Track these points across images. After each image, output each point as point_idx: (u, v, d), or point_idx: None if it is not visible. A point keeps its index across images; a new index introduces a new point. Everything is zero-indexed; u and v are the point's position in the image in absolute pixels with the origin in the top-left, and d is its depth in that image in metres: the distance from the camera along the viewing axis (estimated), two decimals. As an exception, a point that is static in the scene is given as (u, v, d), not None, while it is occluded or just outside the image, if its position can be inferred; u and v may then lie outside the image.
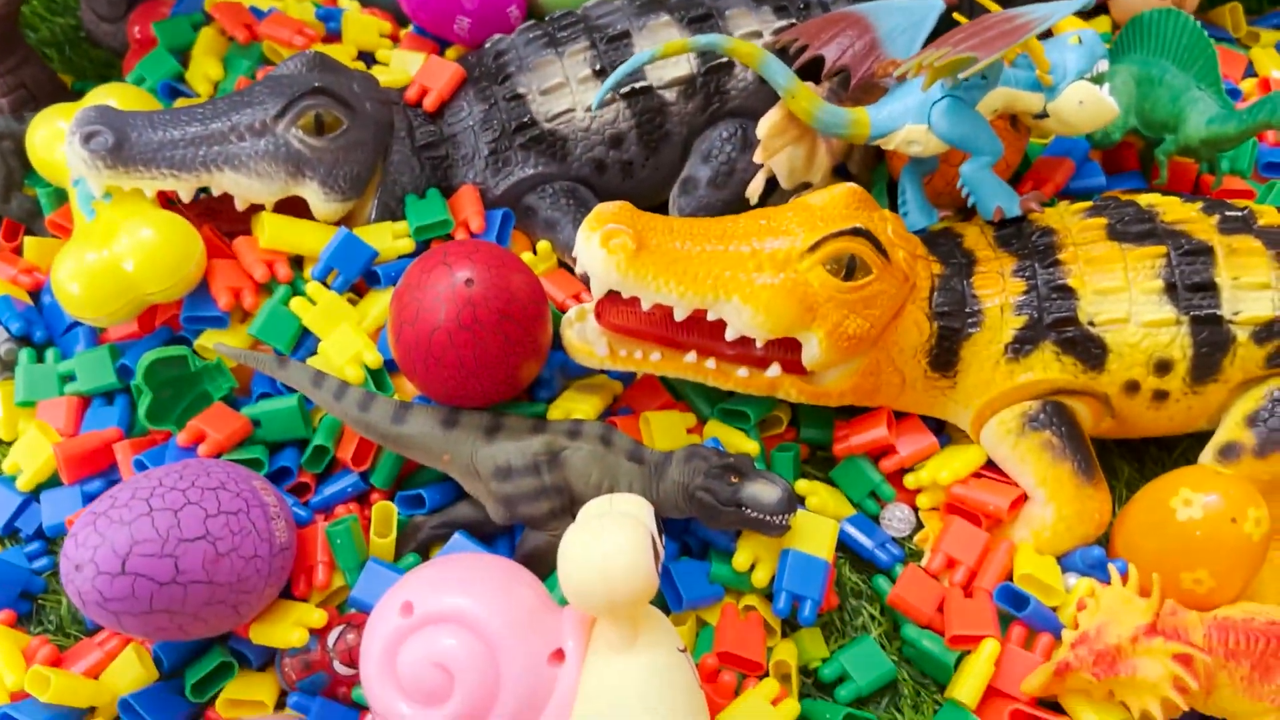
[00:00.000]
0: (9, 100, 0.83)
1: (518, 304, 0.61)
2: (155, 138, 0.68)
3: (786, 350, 0.65)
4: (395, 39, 0.90)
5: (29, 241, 0.78)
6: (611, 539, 0.50)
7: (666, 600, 0.63)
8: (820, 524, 0.64)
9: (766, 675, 0.61)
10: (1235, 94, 0.86)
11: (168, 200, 0.72)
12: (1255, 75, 0.91)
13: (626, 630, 0.51)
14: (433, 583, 0.54)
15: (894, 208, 0.75)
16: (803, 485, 0.68)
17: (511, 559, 0.60)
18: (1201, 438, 0.68)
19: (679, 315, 0.63)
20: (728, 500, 0.59)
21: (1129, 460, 0.73)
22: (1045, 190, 0.78)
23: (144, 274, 0.67)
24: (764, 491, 0.59)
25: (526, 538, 0.64)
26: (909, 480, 0.68)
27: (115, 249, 0.67)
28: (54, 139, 0.74)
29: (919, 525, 0.68)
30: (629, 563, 0.49)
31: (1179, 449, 0.73)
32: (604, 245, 0.60)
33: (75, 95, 0.87)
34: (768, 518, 0.59)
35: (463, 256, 0.61)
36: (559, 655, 0.52)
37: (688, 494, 0.60)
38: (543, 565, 0.62)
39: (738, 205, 0.76)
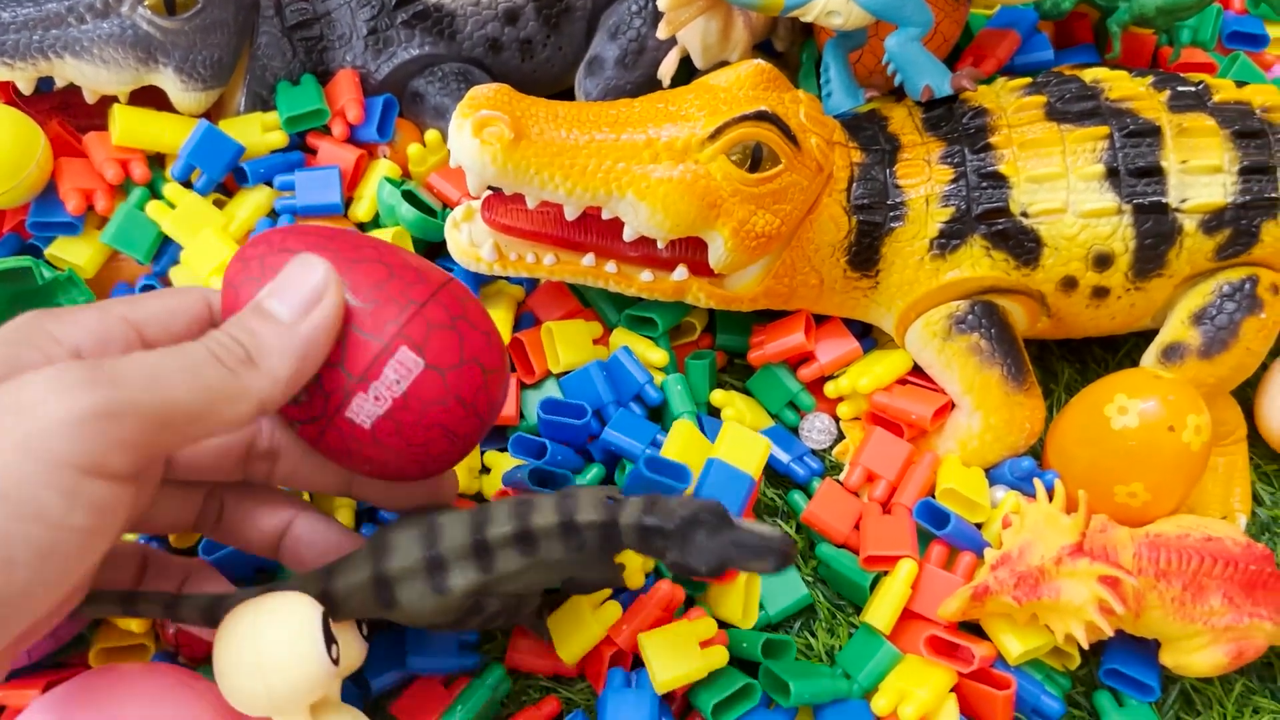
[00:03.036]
0: None
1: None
2: (-20, 21, 0.60)
3: (693, 251, 0.59)
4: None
5: None
6: (271, 620, 0.42)
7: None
8: (752, 440, 0.59)
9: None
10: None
11: (13, 94, 0.65)
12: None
13: None
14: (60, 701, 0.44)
15: (821, 85, 0.68)
16: (718, 396, 0.63)
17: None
18: (1147, 337, 0.63)
19: (569, 214, 0.56)
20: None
21: (1070, 362, 0.68)
22: (987, 66, 0.71)
23: (-25, 176, 0.60)
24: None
25: None
26: (829, 389, 0.63)
27: (-59, 149, 0.60)
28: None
29: (840, 436, 0.64)
30: (290, 648, 0.41)
31: (1124, 349, 0.68)
32: (477, 134, 0.53)
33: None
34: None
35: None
36: None
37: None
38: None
39: (649, 87, 0.69)
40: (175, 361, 0.33)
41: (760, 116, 0.55)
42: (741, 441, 0.58)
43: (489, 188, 0.57)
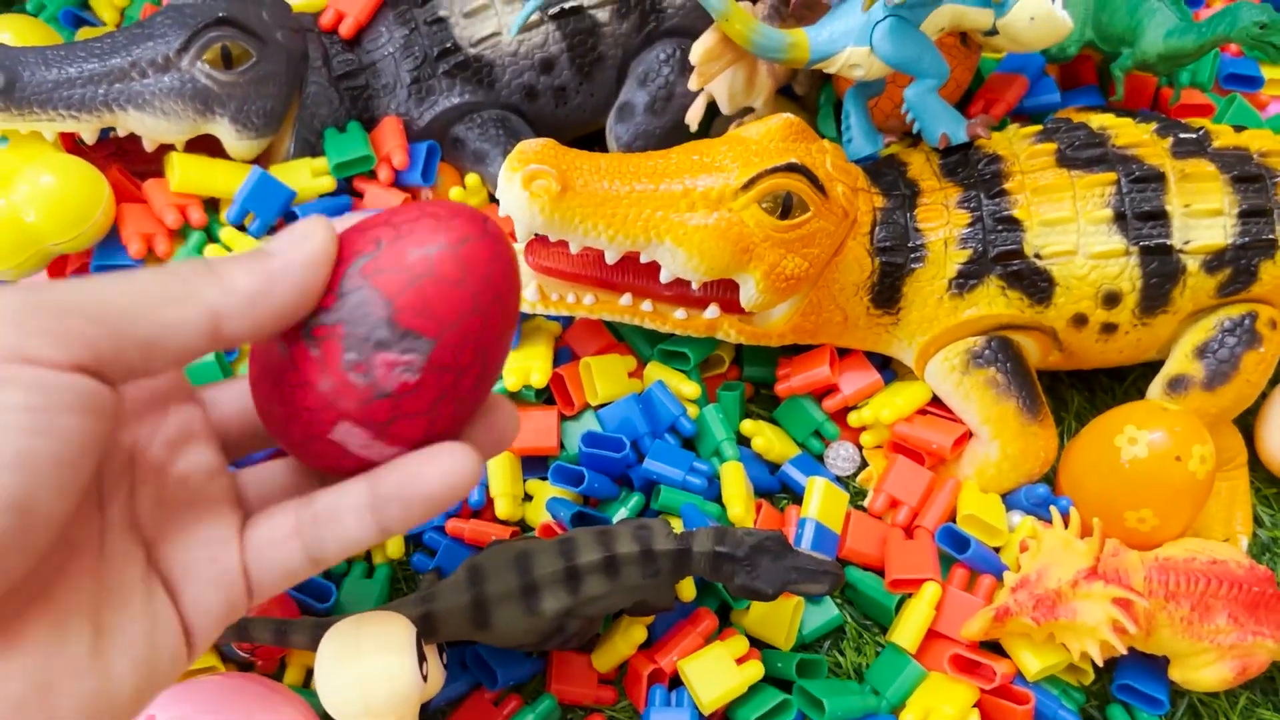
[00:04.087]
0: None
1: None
2: (50, 76, 0.64)
3: (725, 290, 0.63)
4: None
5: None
6: (374, 642, 0.46)
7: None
8: (837, 498, 0.63)
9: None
10: (1195, 2, 0.82)
11: (75, 142, 0.68)
12: (1219, -22, 0.87)
13: None
14: (178, 699, 0.48)
15: (842, 131, 0.71)
16: (748, 425, 0.67)
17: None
18: (1153, 366, 0.66)
19: (610, 258, 0.60)
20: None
21: (1079, 390, 0.71)
22: (997, 109, 0.75)
23: (47, 224, 0.63)
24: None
25: None
26: (852, 418, 0.67)
27: (14, 198, 0.63)
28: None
29: (864, 463, 0.67)
30: (387, 664, 0.45)
31: (1130, 378, 0.71)
32: (526, 187, 0.56)
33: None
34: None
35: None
36: None
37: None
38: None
39: (677, 131, 0.73)
40: (118, 275, 0.30)
41: (790, 168, 0.58)
42: (829, 499, 0.62)
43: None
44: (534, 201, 0.56)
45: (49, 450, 0.27)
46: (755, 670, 0.57)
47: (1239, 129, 0.66)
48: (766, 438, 0.66)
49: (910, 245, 0.63)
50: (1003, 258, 0.62)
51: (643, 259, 0.60)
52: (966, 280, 0.62)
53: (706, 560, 0.53)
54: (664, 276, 0.61)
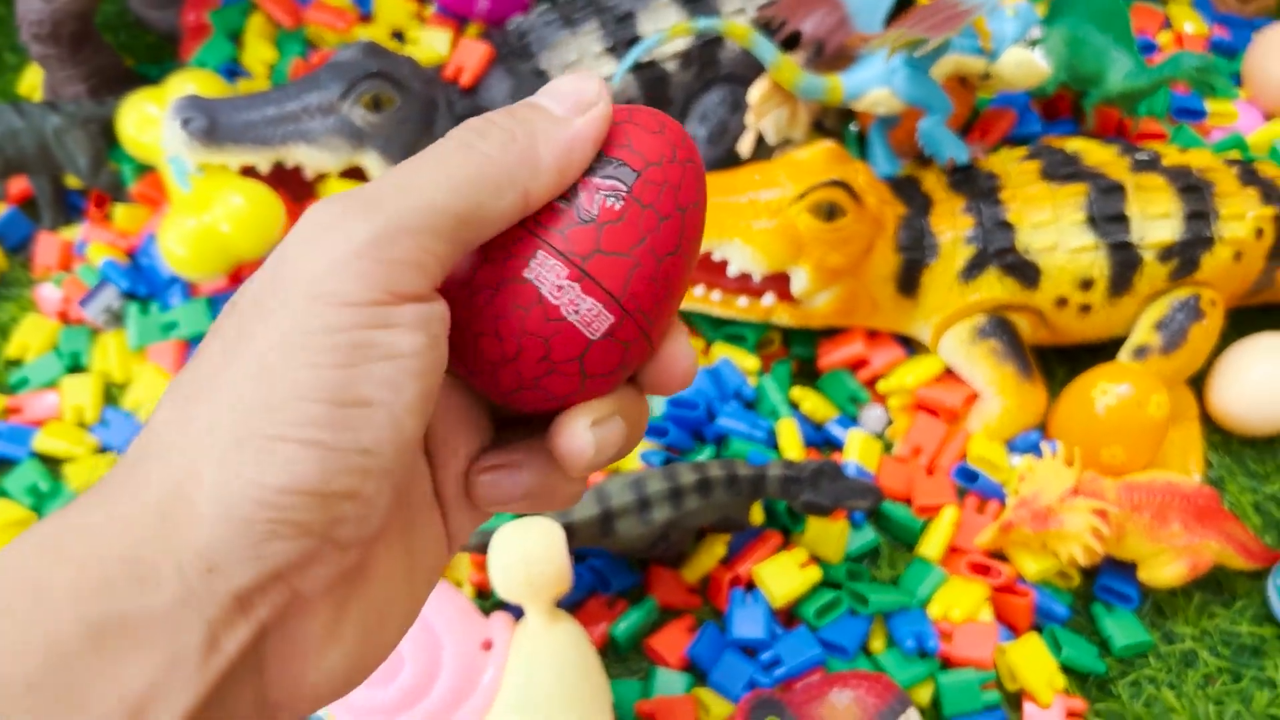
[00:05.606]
0: (88, 85, 0.94)
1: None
2: (240, 119, 0.80)
3: (779, 283, 0.79)
4: (421, 18, 1.01)
5: (119, 209, 0.91)
6: (534, 533, 0.61)
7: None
8: (872, 445, 0.79)
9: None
10: (1151, 48, 1.00)
11: (249, 172, 0.84)
12: (1171, 28, 1.05)
13: (545, 617, 0.63)
14: None
15: (863, 156, 0.88)
16: (796, 393, 0.83)
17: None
18: (1121, 343, 0.83)
19: (691, 256, 0.76)
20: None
21: (1064, 363, 0.88)
22: (991, 137, 0.92)
23: (238, 236, 0.80)
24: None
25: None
26: (881, 386, 0.83)
27: (212, 215, 0.80)
28: (145, 123, 0.86)
29: (890, 421, 0.83)
30: (547, 551, 0.61)
31: (1104, 352, 0.88)
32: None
33: (140, 78, 0.98)
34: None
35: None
36: (488, 644, 0.64)
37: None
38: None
39: (728, 157, 0.90)
40: (430, 167, 0.28)
41: (835, 183, 0.75)
42: (866, 447, 0.78)
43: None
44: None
45: (432, 386, 0.26)
46: (815, 573, 0.72)
47: (1184, 150, 0.83)
48: (812, 402, 0.82)
49: (926, 244, 0.79)
50: (1000, 253, 0.79)
51: (715, 257, 0.77)
52: (972, 271, 0.79)
53: (778, 483, 0.69)
54: (731, 271, 0.77)
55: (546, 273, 0.29)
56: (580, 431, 0.29)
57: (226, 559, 0.23)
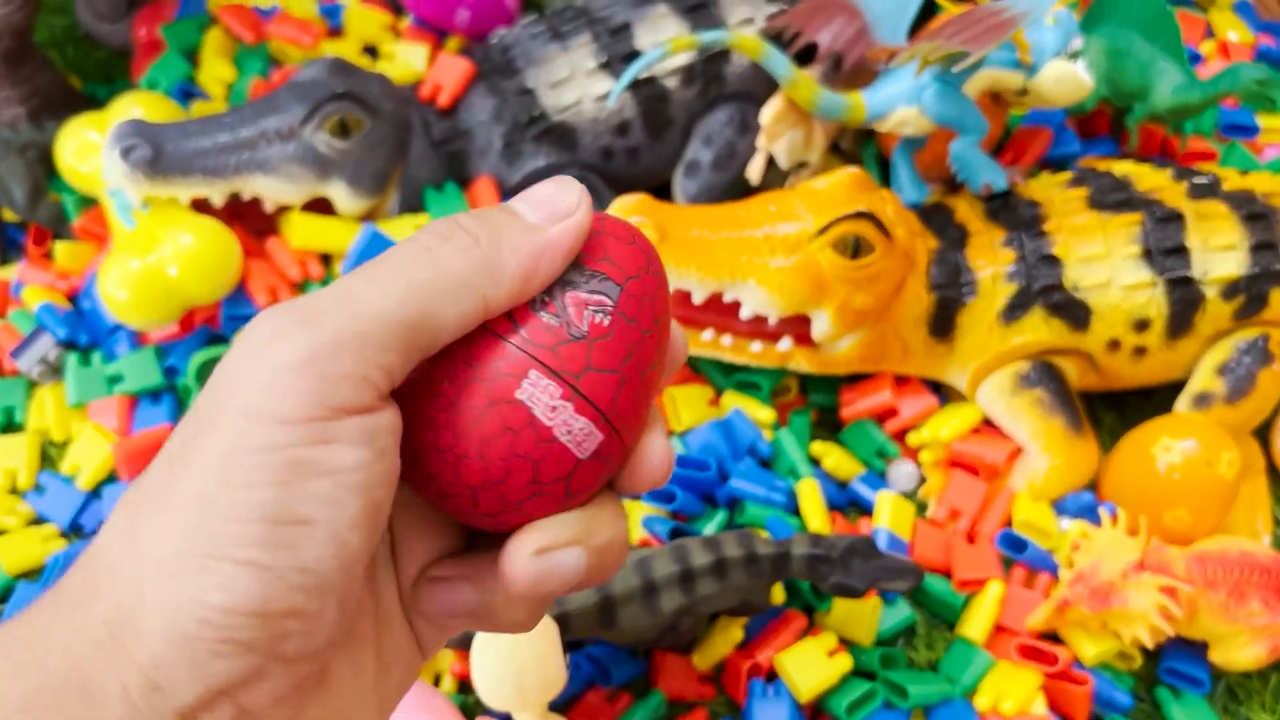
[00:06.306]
0: (27, 108, 0.85)
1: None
2: (189, 147, 0.71)
3: (797, 325, 0.70)
4: (396, 31, 0.93)
5: (60, 247, 0.81)
6: (525, 646, 0.53)
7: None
8: (905, 509, 0.70)
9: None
10: (1195, 58, 0.91)
11: (199, 207, 0.75)
12: (1213, 37, 0.96)
13: None
14: None
15: (885, 181, 0.79)
16: (817, 447, 0.74)
17: None
18: (1176, 387, 0.74)
19: (697, 299, 0.68)
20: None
21: (1111, 409, 0.79)
22: (1026, 159, 0.84)
23: (187, 279, 0.71)
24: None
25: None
26: (911, 439, 0.74)
27: (159, 256, 0.70)
28: (85, 151, 0.77)
29: (923, 479, 0.74)
30: (539, 651, 0.52)
31: (1156, 396, 0.79)
32: (629, 238, 0.64)
33: (88, 100, 0.89)
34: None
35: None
36: None
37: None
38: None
39: (738, 184, 0.81)
40: (382, 273, 0.27)
41: (861, 215, 0.66)
42: (898, 510, 0.70)
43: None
44: (638, 250, 0.64)
45: (379, 499, 0.26)
46: (846, 662, 0.63)
47: (1244, 173, 0.75)
48: (835, 458, 0.74)
49: (962, 281, 0.71)
50: (1045, 291, 0.70)
51: (726, 298, 0.68)
52: (1014, 311, 0.70)
53: (804, 562, 0.60)
54: (744, 314, 0.68)
55: (540, 393, 0.28)
56: (521, 555, 0.28)
57: (170, 678, 0.24)
